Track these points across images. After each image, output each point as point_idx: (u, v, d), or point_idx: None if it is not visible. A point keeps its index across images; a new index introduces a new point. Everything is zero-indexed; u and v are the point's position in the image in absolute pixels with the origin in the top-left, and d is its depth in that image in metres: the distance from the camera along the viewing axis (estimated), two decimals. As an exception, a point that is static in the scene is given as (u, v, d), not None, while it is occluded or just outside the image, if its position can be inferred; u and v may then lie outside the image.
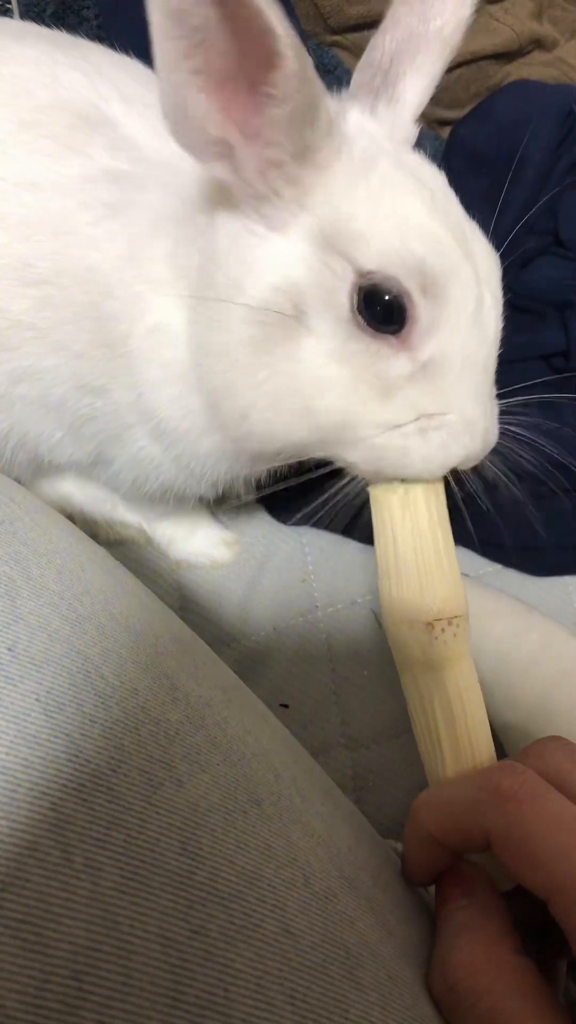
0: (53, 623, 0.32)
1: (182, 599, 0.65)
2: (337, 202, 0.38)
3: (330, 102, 0.37)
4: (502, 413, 0.43)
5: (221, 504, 0.66)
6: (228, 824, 0.30)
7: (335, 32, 0.77)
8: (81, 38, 0.51)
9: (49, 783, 0.26)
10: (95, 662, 0.32)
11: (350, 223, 0.37)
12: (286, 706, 0.61)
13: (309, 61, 0.33)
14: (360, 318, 0.38)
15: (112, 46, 0.50)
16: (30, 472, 0.55)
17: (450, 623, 0.41)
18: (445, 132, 0.78)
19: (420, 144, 0.44)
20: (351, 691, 0.62)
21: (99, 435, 0.49)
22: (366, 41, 0.77)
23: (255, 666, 0.62)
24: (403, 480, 0.42)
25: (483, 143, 0.70)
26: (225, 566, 0.65)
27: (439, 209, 0.39)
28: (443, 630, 0.40)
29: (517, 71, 0.81)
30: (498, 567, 0.68)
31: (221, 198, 0.39)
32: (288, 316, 0.38)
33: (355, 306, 0.38)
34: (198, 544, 0.65)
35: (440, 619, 0.41)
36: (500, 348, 0.42)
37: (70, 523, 0.44)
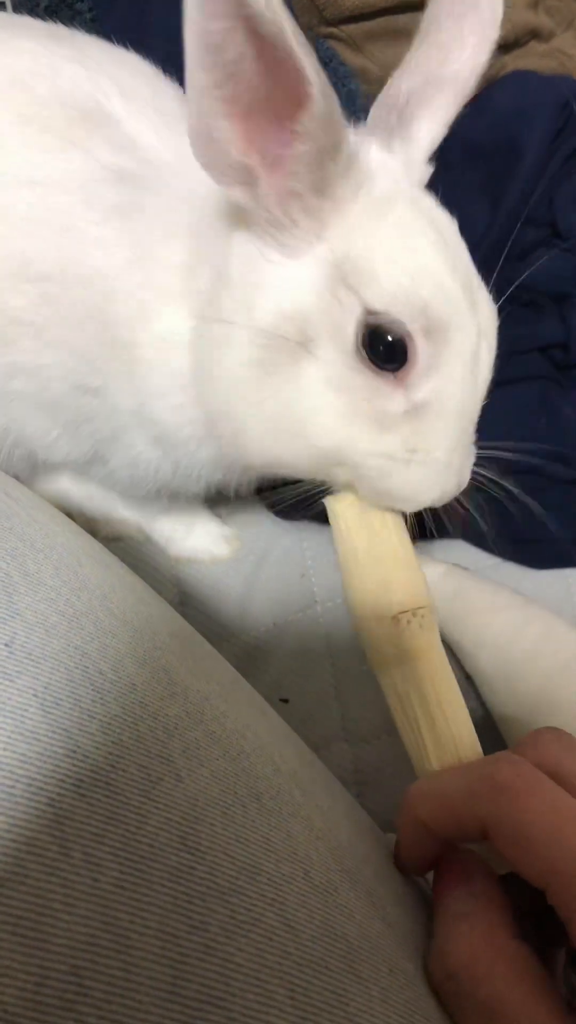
0: (50, 619, 0.32)
1: (181, 595, 0.65)
2: (353, 238, 0.38)
3: (351, 137, 0.37)
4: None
5: (220, 501, 0.66)
6: (227, 818, 0.30)
7: (330, 24, 0.77)
8: (78, 31, 0.51)
9: (47, 779, 0.26)
10: (93, 657, 0.32)
11: (363, 261, 0.38)
12: (286, 701, 0.61)
13: (336, 103, 0.34)
14: (363, 353, 0.38)
15: (106, 40, 0.50)
16: (28, 469, 0.55)
17: (415, 614, 0.42)
18: (442, 124, 0.78)
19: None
20: (351, 686, 0.62)
21: (96, 435, 0.49)
22: (361, 33, 0.76)
23: (255, 661, 0.62)
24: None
25: (480, 134, 0.70)
26: (224, 562, 0.65)
27: (450, 257, 0.39)
28: (408, 622, 0.41)
29: (514, 62, 0.80)
30: (497, 560, 0.68)
31: (238, 220, 0.39)
32: (294, 342, 0.38)
33: (359, 341, 0.38)
34: (197, 540, 0.65)
35: (404, 611, 0.42)
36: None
37: (67, 519, 0.44)
